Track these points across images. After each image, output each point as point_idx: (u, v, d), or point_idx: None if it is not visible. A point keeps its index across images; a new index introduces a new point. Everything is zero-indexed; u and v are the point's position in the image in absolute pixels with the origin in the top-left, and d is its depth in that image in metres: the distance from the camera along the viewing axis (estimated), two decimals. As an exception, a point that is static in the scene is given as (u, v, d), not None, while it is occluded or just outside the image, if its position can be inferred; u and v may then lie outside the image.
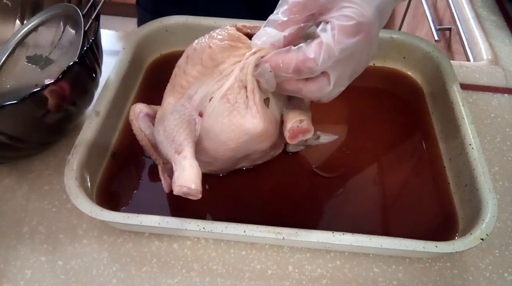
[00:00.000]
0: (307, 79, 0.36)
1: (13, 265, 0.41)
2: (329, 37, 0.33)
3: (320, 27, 0.35)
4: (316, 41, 0.34)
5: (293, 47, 0.35)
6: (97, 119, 0.44)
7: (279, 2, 0.36)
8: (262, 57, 0.36)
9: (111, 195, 0.44)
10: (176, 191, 0.34)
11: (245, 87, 0.37)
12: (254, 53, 0.36)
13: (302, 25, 0.35)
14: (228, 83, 0.38)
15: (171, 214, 0.39)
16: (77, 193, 0.39)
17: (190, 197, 0.35)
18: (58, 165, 0.48)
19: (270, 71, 0.35)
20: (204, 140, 0.39)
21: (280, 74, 0.35)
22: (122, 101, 0.50)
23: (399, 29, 1.33)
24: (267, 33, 0.36)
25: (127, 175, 0.46)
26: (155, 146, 0.43)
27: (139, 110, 0.43)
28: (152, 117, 0.44)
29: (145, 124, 0.43)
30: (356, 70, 0.37)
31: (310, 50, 0.33)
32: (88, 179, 0.43)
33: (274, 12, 0.36)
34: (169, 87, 0.42)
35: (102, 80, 0.48)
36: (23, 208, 0.44)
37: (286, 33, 0.35)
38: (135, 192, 0.45)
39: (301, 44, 0.35)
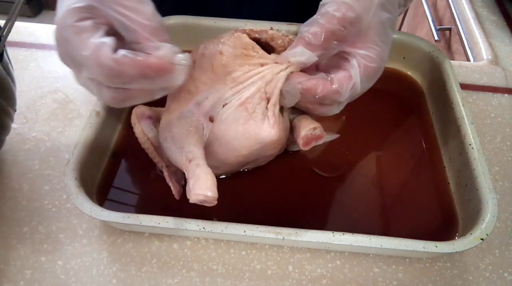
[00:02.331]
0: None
1: (13, 265, 0.41)
2: (357, 76, 0.36)
3: (347, 58, 0.37)
4: (345, 75, 0.37)
5: (324, 75, 0.37)
6: (97, 119, 0.44)
7: (310, 19, 0.37)
8: (291, 72, 0.38)
9: (111, 195, 0.44)
10: (193, 199, 0.34)
11: (267, 99, 0.38)
12: (285, 68, 0.38)
13: (329, 49, 0.37)
14: (248, 93, 0.38)
15: (171, 214, 0.39)
16: (77, 193, 0.39)
17: (206, 204, 0.35)
18: (58, 165, 0.48)
19: (300, 93, 0.37)
20: (214, 146, 0.39)
21: (307, 97, 0.38)
22: (122, 101, 0.50)
23: (399, 29, 1.33)
24: (303, 52, 0.37)
25: (127, 175, 0.46)
26: (157, 149, 0.43)
27: (141, 113, 0.43)
28: (154, 120, 0.44)
29: (148, 127, 0.43)
30: (353, 97, 0.41)
31: (340, 83, 0.36)
32: (88, 179, 0.43)
33: (305, 29, 0.37)
34: (173, 91, 0.42)
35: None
36: (23, 208, 0.44)
37: (316, 57, 0.37)
38: (135, 191, 0.45)
39: (331, 75, 0.37)
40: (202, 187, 0.34)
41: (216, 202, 0.34)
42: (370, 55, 0.36)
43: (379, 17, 0.36)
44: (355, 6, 0.34)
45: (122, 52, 0.31)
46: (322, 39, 0.35)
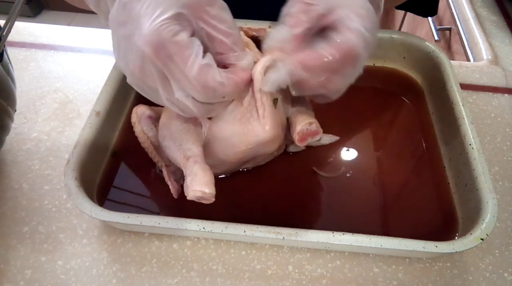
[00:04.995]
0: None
1: (13, 265, 0.41)
2: (357, 24, 0.33)
3: (337, 22, 0.35)
4: (347, 31, 0.33)
5: (322, 43, 0.34)
6: (97, 119, 0.44)
7: (281, 19, 0.36)
8: (273, 59, 0.36)
9: (111, 195, 0.44)
10: (190, 196, 0.34)
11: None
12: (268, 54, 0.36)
13: (308, 25, 0.35)
14: None
15: (171, 214, 0.39)
16: (77, 193, 0.39)
17: (204, 201, 0.35)
18: (58, 165, 0.48)
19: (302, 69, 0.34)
20: (213, 144, 0.39)
21: (321, 71, 0.34)
22: (122, 101, 0.50)
23: (399, 29, 1.33)
24: (277, 31, 0.36)
25: (127, 175, 0.46)
26: (157, 148, 0.43)
27: (142, 112, 0.43)
28: (154, 119, 0.44)
29: (148, 127, 0.43)
30: (369, 54, 0.38)
31: (346, 38, 0.33)
32: (88, 179, 0.43)
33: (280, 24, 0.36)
34: None
35: (102, 79, 0.48)
36: (23, 208, 0.44)
37: (296, 31, 0.35)
38: (135, 191, 0.45)
39: (332, 37, 0.34)
40: (200, 184, 0.34)
41: (213, 199, 0.35)
42: (357, 5, 0.34)
43: None
44: None
45: (224, 74, 0.32)
46: (294, 18, 0.35)
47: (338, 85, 0.37)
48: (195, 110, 0.33)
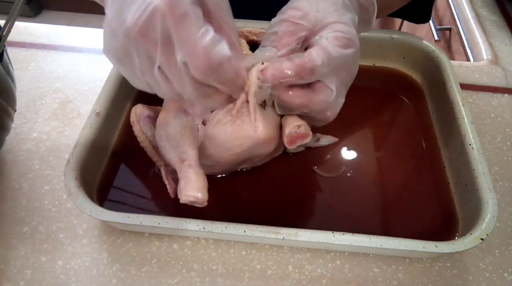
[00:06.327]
0: (313, 90, 0.36)
1: (13, 265, 0.41)
2: (327, 44, 0.35)
3: (315, 41, 0.36)
4: (315, 47, 0.35)
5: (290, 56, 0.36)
6: (97, 120, 0.44)
7: (266, 35, 0.38)
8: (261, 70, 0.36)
9: (111, 195, 0.44)
10: (183, 200, 0.35)
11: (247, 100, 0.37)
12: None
13: (293, 46, 0.36)
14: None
15: (171, 214, 0.39)
16: (77, 193, 0.39)
17: (196, 205, 0.35)
18: (58, 165, 0.48)
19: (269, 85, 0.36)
20: (209, 147, 0.39)
21: (282, 80, 0.35)
22: (122, 101, 0.50)
23: (399, 29, 1.33)
24: (263, 51, 0.37)
25: (127, 175, 0.46)
26: (156, 148, 0.43)
27: (141, 112, 0.43)
28: (153, 119, 0.44)
29: (147, 126, 0.43)
30: (349, 80, 0.39)
31: (309, 53, 0.35)
32: (88, 179, 0.43)
33: (263, 43, 0.37)
34: None
35: (102, 79, 0.48)
36: (23, 208, 0.44)
37: (280, 52, 0.36)
38: (135, 191, 0.45)
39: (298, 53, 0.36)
40: (193, 188, 0.34)
41: (206, 204, 0.35)
42: (337, 30, 0.35)
43: (328, 4, 0.36)
44: (299, 6, 0.36)
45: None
46: (280, 40, 0.36)
47: (320, 105, 0.37)
48: (187, 90, 0.31)
